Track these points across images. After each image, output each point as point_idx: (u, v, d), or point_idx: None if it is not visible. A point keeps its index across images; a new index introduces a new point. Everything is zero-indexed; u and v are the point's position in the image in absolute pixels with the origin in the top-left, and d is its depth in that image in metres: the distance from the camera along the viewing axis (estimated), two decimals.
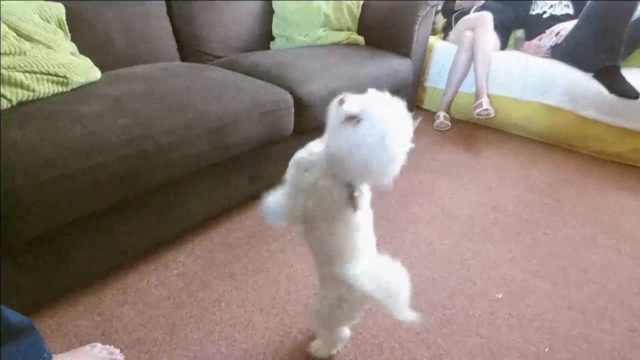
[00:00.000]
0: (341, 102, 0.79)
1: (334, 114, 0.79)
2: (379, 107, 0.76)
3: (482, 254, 1.59)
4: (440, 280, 1.44)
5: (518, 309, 1.34)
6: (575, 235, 1.74)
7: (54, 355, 1.00)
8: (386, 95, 0.78)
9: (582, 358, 1.19)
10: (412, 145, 0.78)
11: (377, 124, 0.74)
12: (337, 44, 2.33)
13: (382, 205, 1.81)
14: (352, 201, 0.85)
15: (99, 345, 1.11)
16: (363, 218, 0.90)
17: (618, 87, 2.27)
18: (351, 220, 0.88)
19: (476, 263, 1.54)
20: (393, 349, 1.18)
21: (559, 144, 2.60)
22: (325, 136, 0.83)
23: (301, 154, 0.88)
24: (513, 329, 1.27)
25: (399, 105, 0.77)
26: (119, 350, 1.11)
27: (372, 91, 0.80)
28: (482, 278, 1.47)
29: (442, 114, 2.72)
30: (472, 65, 2.64)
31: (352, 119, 0.76)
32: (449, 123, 2.72)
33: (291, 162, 0.89)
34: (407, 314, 0.86)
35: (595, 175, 2.27)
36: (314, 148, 0.87)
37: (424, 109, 3.03)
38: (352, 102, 0.78)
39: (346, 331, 1.12)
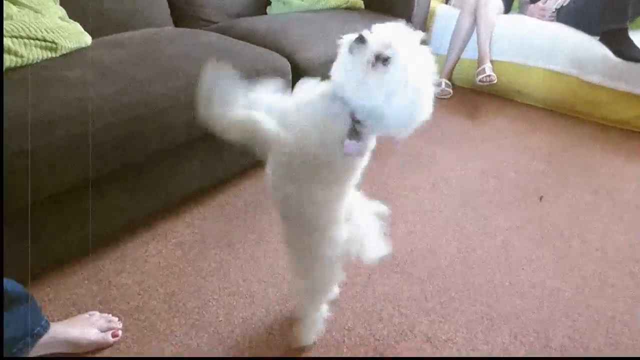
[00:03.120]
0: (361, 39, 0.68)
1: (354, 55, 0.69)
2: (406, 44, 0.68)
3: (482, 222, 1.57)
4: (440, 248, 1.43)
5: (518, 277, 1.34)
6: (577, 202, 1.73)
7: (52, 324, 1.00)
8: (404, 27, 0.70)
9: (583, 325, 1.19)
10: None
11: (408, 66, 0.67)
12: (336, 8, 2.24)
13: (381, 174, 1.79)
14: (355, 134, 0.75)
15: (97, 313, 1.10)
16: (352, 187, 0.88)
17: (625, 50, 2.21)
18: (347, 185, 0.85)
19: (476, 231, 1.52)
20: (392, 317, 1.18)
21: (563, 110, 2.55)
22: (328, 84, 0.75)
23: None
24: (512, 296, 1.27)
25: (416, 38, 0.71)
26: (117, 319, 1.11)
27: (384, 25, 0.71)
28: (481, 246, 1.46)
29: (443, 81, 2.66)
30: (475, 30, 2.56)
31: (379, 59, 0.67)
32: (451, 90, 2.66)
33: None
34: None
35: (599, 142, 2.23)
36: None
37: None
38: (376, 39, 0.68)
39: (326, 305, 1.05)
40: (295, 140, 0.75)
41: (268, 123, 0.75)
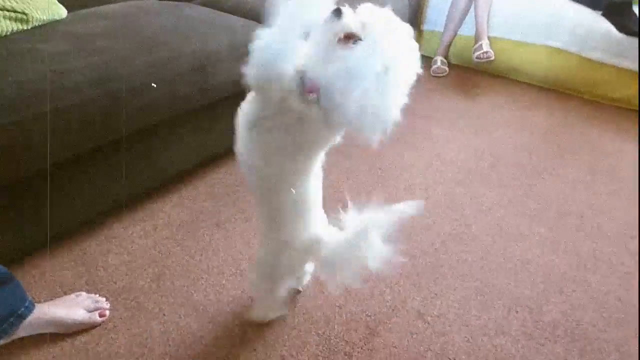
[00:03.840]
0: (337, 13, 0.63)
1: (326, 27, 0.64)
2: (384, 27, 0.62)
3: (478, 199, 1.55)
4: (434, 225, 1.41)
5: (512, 254, 1.32)
6: (574, 180, 1.70)
7: (37, 304, 0.99)
8: (389, 13, 0.64)
9: (576, 300, 1.18)
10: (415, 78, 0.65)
11: (380, 48, 0.61)
12: None
13: (375, 153, 1.75)
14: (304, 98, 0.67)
15: (84, 294, 1.08)
16: (317, 176, 0.84)
17: (628, 25, 2.15)
18: (312, 166, 0.80)
19: (471, 208, 1.50)
20: (383, 294, 1.16)
21: (562, 89, 2.50)
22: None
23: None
24: (506, 272, 1.25)
25: (405, 27, 0.64)
26: (104, 299, 1.09)
27: (370, 6, 0.65)
28: (476, 223, 1.43)
29: (439, 59, 2.60)
30: (473, 5, 2.50)
31: (350, 38, 0.63)
32: (447, 68, 2.60)
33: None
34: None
35: (597, 120, 2.20)
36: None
37: (421, 55, 2.89)
38: (352, 17, 0.63)
39: (283, 293, 0.99)
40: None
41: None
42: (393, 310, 1.12)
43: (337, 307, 1.12)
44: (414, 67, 0.65)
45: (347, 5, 0.66)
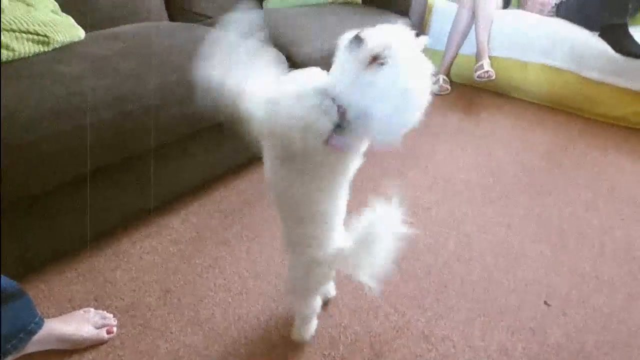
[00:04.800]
0: (358, 39, 0.67)
1: (351, 54, 0.68)
2: (406, 48, 0.67)
3: (480, 218, 1.57)
4: (437, 245, 1.43)
5: (515, 273, 1.33)
6: (575, 199, 1.72)
7: (46, 320, 0.99)
8: (407, 31, 0.69)
9: (579, 322, 1.19)
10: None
11: (403, 71, 0.66)
12: (333, 3, 2.22)
13: (378, 170, 1.78)
14: (340, 130, 0.73)
15: (92, 310, 1.09)
16: (345, 187, 0.86)
17: (624, 46, 2.20)
18: (338, 180, 0.83)
19: (473, 228, 1.52)
20: (388, 314, 1.17)
21: (561, 107, 2.54)
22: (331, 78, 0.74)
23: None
24: (509, 293, 1.26)
25: (419, 43, 0.69)
26: (112, 315, 1.10)
27: (388, 26, 0.69)
28: (479, 242, 1.45)
29: (441, 77, 2.64)
30: (474, 25, 2.54)
31: (375, 60, 0.66)
32: (449, 87, 2.64)
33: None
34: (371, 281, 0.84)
35: (597, 138, 2.23)
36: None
37: None
38: (375, 40, 0.66)
39: (318, 302, 1.04)
40: (280, 130, 0.75)
41: (256, 110, 0.75)
42: (397, 331, 1.13)
43: (342, 326, 1.13)
44: (430, 86, 0.70)
45: (365, 29, 0.68)
